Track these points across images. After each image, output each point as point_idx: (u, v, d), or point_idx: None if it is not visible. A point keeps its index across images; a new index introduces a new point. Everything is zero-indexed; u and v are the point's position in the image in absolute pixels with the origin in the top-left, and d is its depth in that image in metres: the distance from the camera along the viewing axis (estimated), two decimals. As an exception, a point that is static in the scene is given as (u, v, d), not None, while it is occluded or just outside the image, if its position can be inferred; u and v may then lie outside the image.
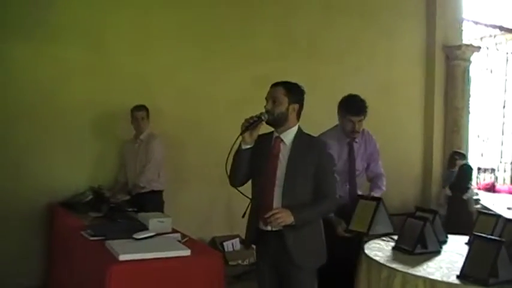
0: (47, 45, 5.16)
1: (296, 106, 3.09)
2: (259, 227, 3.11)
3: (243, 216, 4.14)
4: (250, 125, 3.02)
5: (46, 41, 5.16)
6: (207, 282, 3.25)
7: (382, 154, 4.45)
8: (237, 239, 5.98)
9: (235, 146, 3.16)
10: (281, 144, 3.06)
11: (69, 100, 5.30)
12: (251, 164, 3.13)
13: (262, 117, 3.03)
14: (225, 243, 5.93)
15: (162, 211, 4.92)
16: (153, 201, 5.10)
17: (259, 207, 3.08)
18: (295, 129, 3.10)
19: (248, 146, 3.09)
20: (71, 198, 5.01)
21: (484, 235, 3.18)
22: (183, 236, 3.72)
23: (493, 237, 3.22)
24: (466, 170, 6.72)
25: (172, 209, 5.04)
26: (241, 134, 3.06)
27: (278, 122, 3.05)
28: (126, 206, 4.74)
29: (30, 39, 5.08)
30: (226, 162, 3.13)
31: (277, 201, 3.00)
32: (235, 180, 3.22)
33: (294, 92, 3.10)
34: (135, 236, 3.47)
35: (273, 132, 3.16)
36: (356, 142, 4.19)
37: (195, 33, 5.92)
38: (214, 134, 5.96)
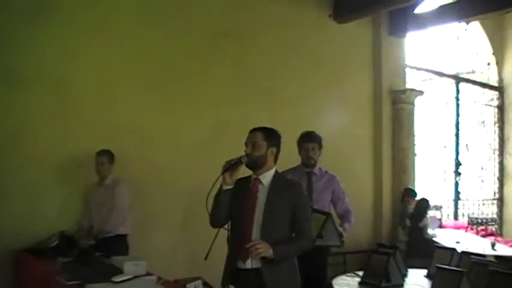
0: (11, 90, 5.14)
1: (274, 149, 3.31)
2: (238, 266, 3.25)
3: (206, 258, 4.30)
4: (230, 166, 3.21)
5: (10, 86, 5.14)
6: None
7: None
8: (199, 281, 6.02)
9: (216, 187, 3.31)
10: (259, 185, 3.26)
11: (32, 144, 5.24)
12: (230, 205, 3.29)
13: (242, 160, 3.23)
14: (187, 286, 5.96)
15: (127, 255, 4.95)
16: (118, 245, 5.12)
17: (238, 246, 3.22)
18: (272, 171, 3.30)
19: (229, 187, 3.27)
20: (36, 244, 4.94)
21: (446, 267, 3.44)
22: (159, 278, 3.82)
23: (454, 268, 3.48)
24: (424, 203, 7.35)
25: (137, 252, 5.03)
26: (222, 174, 3.23)
27: (257, 164, 3.25)
28: (92, 250, 4.77)
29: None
30: (206, 203, 3.28)
31: (255, 239, 3.15)
32: (216, 221, 3.38)
33: (272, 136, 3.32)
34: (114, 279, 3.55)
35: (251, 175, 3.34)
36: (315, 174, 4.52)
37: (158, 80, 6.03)
38: (177, 179, 6.06)
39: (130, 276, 3.62)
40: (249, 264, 3.18)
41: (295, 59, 7.34)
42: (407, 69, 8.81)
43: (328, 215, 4.24)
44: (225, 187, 3.29)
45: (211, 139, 6.38)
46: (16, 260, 5.00)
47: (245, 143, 3.35)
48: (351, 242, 7.40)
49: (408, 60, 8.83)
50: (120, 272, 3.76)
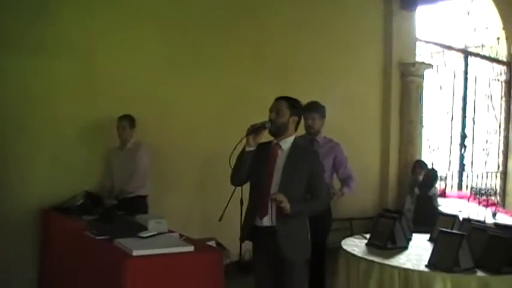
0: (36, 58, 5.36)
1: (296, 118, 3.55)
2: (255, 223, 3.51)
3: (220, 220, 4.60)
4: (254, 130, 3.46)
5: (35, 53, 5.36)
6: (209, 275, 3.65)
7: None
8: (213, 241, 6.34)
9: (238, 149, 3.56)
10: (279, 150, 3.51)
11: (58, 108, 5.53)
12: (251, 167, 3.55)
13: (266, 125, 3.48)
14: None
15: (147, 213, 5.24)
16: (139, 205, 5.38)
17: (256, 205, 3.49)
18: (292, 138, 3.55)
19: (251, 149, 3.52)
20: (62, 203, 5.23)
21: (448, 230, 3.71)
22: (180, 235, 4.10)
23: (455, 231, 3.76)
24: (433, 173, 7.66)
25: (155, 212, 5.35)
26: (246, 136, 3.48)
27: (279, 130, 3.50)
28: (116, 209, 5.07)
29: (19, 52, 5.29)
30: (230, 161, 3.54)
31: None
32: (237, 179, 3.65)
33: (295, 106, 3.56)
34: (141, 234, 3.84)
35: (272, 140, 3.59)
36: (317, 141, 4.78)
37: (179, 49, 6.29)
38: (193, 144, 6.37)
39: (155, 233, 3.90)
40: (266, 221, 3.44)
41: (309, 32, 7.56)
42: (417, 43, 8.98)
43: None
44: (248, 149, 3.53)
45: (228, 107, 6.66)
46: (44, 218, 5.32)
47: (269, 110, 3.56)
48: (357, 208, 7.78)
49: (418, 34, 8.99)
50: (144, 229, 4.04)
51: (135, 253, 3.42)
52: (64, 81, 5.58)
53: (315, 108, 4.83)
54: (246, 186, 4.85)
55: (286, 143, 3.54)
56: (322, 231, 4.61)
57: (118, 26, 5.87)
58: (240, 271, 6.19)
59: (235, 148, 3.59)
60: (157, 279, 3.44)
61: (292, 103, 3.57)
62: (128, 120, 5.56)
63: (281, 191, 3.40)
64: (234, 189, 5.42)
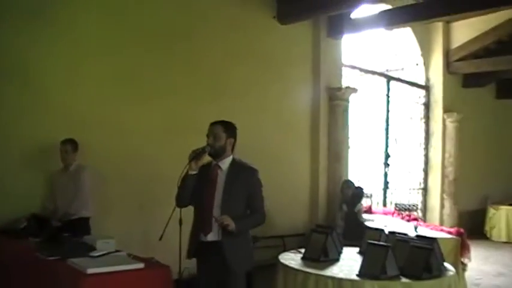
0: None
1: (232, 140, 3.89)
2: (201, 239, 3.79)
3: (160, 239, 4.85)
4: (196, 155, 3.76)
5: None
6: (159, 289, 3.91)
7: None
8: (154, 260, 6.53)
9: (183, 174, 3.86)
10: (219, 170, 3.82)
11: (1, 133, 5.61)
12: (194, 188, 3.83)
13: (206, 149, 3.80)
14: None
15: (90, 234, 5.38)
16: (82, 226, 5.54)
17: (201, 223, 3.77)
18: (230, 158, 3.88)
19: (194, 172, 3.82)
20: (5, 225, 5.33)
21: (375, 242, 4.13)
22: (128, 254, 4.32)
23: (382, 243, 4.17)
24: (359, 190, 8.12)
25: (98, 233, 5.48)
26: (189, 162, 3.77)
27: (218, 153, 3.82)
28: (61, 230, 5.19)
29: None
30: (178, 183, 3.88)
31: (216, 215, 3.71)
32: (181, 201, 3.95)
33: (230, 129, 3.91)
34: (92, 254, 4.04)
35: (211, 162, 3.89)
36: None
37: (116, 76, 6.50)
38: (134, 165, 6.55)
39: (105, 252, 4.12)
40: (211, 237, 3.73)
41: (242, 58, 7.92)
42: (343, 68, 9.53)
43: None
44: (191, 172, 3.83)
45: (166, 130, 6.91)
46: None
47: (207, 135, 3.88)
48: (289, 226, 8.15)
49: (344, 60, 9.54)
50: (93, 249, 4.24)
51: (90, 271, 3.63)
52: (8, 103, 5.67)
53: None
54: (184, 208, 5.14)
55: (225, 163, 3.86)
56: None
57: (62, 50, 6.02)
58: (179, 288, 6.40)
59: (182, 173, 3.89)
60: (110, 295, 3.66)
61: (227, 126, 3.91)
62: (70, 144, 5.68)
63: (223, 209, 3.71)
64: (173, 210, 5.68)
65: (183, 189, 3.90)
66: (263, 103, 8.14)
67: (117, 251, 4.34)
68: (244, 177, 3.84)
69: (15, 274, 4.68)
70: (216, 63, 7.60)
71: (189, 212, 4.23)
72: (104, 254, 4.09)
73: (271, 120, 8.12)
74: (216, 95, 7.51)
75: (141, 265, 3.91)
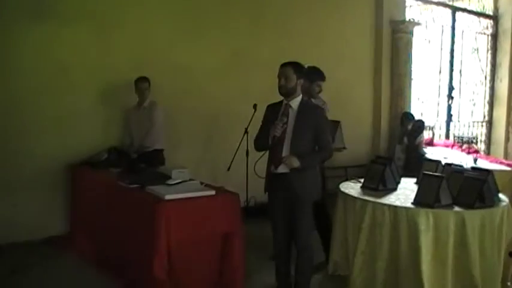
0: (60, 27, 5.90)
1: (301, 81, 4.10)
2: (272, 171, 4.09)
3: (228, 170, 5.21)
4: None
5: (59, 23, 5.89)
6: (229, 213, 4.34)
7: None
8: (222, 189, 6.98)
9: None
10: (289, 109, 4.07)
11: (79, 73, 6.08)
12: (268, 126, 4.10)
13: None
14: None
15: (164, 165, 5.83)
16: (157, 158, 6.02)
17: (273, 156, 4.07)
18: (299, 98, 4.10)
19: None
20: (89, 157, 5.86)
21: (430, 173, 4.35)
22: (201, 182, 4.72)
23: (436, 174, 4.40)
24: (420, 123, 8.30)
25: (170, 164, 5.95)
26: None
27: (289, 93, 4.04)
28: (138, 161, 5.68)
29: (44, 22, 5.79)
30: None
31: (286, 151, 4.00)
32: (261, 146, 4.20)
33: (300, 70, 4.08)
34: (168, 182, 4.47)
35: (282, 100, 4.14)
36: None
37: (182, 17, 6.82)
38: (200, 101, 6.93)
39: (180, 180, 4.53)
40: (281, 169, 4.01)
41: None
42: (407, 0, 9.44)
43: (338, 122, 5.14)
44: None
45: (229, 66, 7.21)
46: (74, 172, 5.93)
47: (278, 76, 4.07)
48: (352, 157, 8.40)
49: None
50: (168, 178, 4.66)
51: (167, 197, 4.07)
52: (83, 45, 6.10)
53: (325, 77, 5.33)
54: (250, 140, 5.47)
55: (295, 102, 4.09)
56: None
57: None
58: (246, 216, 6.84)
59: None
60: (186, 218, 4.11)
61: (297, 67, 4.09)
62: (147, 82, 6.09)
63: (293, 144, 3.98)
64: (240, 142, 6.08)
65: (263, 138, 4.14)
66: (326, 39, 8.27)
67: (190, 179, 4.74)
68: (313, 115, 4.08)
69: (97, 201, 5.22)
70: (278, 3, 7.75)
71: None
72: (179, 182, 4.51)
73: (334, 56, 8.23)
74: (277, 33, 7.71)
75: (212, 192, 4.31)
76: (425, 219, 3.99)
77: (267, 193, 4.23)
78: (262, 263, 5.05)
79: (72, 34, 6.01)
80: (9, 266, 5.06)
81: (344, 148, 5.26)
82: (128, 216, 4.52)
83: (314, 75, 5.21)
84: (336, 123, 5.19)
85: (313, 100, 5.26)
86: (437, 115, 10.82)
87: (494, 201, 4.27)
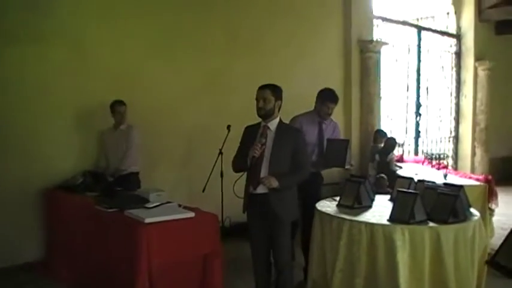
0: (33, 47, 5.88)
1: (279, 102, 4.19)
2: (250, 191, 4.16)
3: (203, 191, 5.22)
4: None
5: (32, 42, 5.88)
6: (209, 235, 4.37)
7: None
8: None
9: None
10: (268, 130, 4.14)
11: (55, 94, 6.06)
12: (246, 147, 4.16)
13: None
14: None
15: (139, 188, 5.81)
16: (133, 181, 6.02)
17: (251, 177, 4.14)
18: (277, 119, 4.19)
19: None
20: (64, 181, 5.82)
21: (404, 190, 4.46)
22: (179, 204, 4.74)
23: (411, 191, 4.51)
24: (392, 140, 8.41)
25: (145, 185, 5.96)
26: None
27: (267, 115, 4.13)
28: (114, 185, 5.66)
29: (17, 40, 5.79)
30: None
31: (264, 172, 4.08)
32: (239, 168, 4.27)
33: (277, 92, 4.19)
34: (147, 205, 4.49)
35: (259, 122, 4.21)
36: (324, 123, 5.44)
37: (157, 36, 6.87)
38: (174, 122, 6.97)
39: (158, 203, 4.55)
40: (260, 189, 4.09)
41: (277, 14, 8.16)
42: (374, 20, 9.67)
43: (347, 141, 5.37)
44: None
45: (204, 86, 7.28)
46: (49, 196, 5.88)
47: (256, 99, 4.16)
48: (325, 176, 8.49)
49: (375, 11, 9.67)
50: (146, 201, 4.68)
51: (147, 220, 4.09)
52: (59, 67, 6.11)
53: (337, 99, 5.57)
54: (225, 161, 5.53)
55: (273, 124, 4.18)
56: (314, 194, 5.32)
57: (105, 16, 6.42)
58: (222, 236, 6.87)
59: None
60: (167, 241, 4.13)
61: (275, 89, 4.19)
62: (124, 105, 6.09)
63: (271, 165, 4.06)
64: (215, 163, 6.11)
65: (241, 159, 4.21)
66: (297, 57, 8.40)
67: (168, 202, 4.75)
68: (290, 136, 4.17)
69: (75, 226, 5.19)
70: (251, 22, 7.88)
71: (229, 165, 4.54)
72: (157, 205, 4.52)
73: (305, 73, 8.36)
74: (251, 51, 7.82)
75: (192, 214, 4.35)
76: (401, 236, 4.06)
77: (245, 213, 4.28)
78: (241, 283, 5.07)
79: (46, 54, 6.00)
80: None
81: (352, 165, 5.40)
82: (107, 241, 4.52)
83: (326, 96, 5.40)
84: (345, 142, 5.32)
85: (325, 122, 5.40)
86: (406, 132, 11.04)
87: (467, 216, 4.39)
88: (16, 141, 5.88)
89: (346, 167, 5.25)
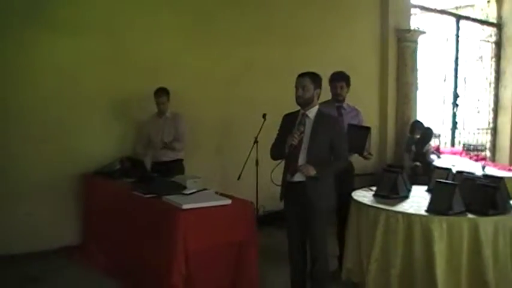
0: (71, 37, 6.01)
1: (318, 90, 4.16)
2: (288, 179, 4.15)
3: (238, 179, 5.21)
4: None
5: (70, 32, 6.00)
6: (244, 223, 4.38)
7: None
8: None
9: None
10: (306, 119, 4.13)
11: (89, 86, 6.17)
12: (284, 135, 4.16)
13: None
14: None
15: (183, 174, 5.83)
16: (178, 167, 6.08)
17: (289, 165, 4.14)
18: (316, 108, 4.17)
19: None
20: (102, 167, 5.94)
21: (442, 180, 4.41)
22: (216, 192, 4.77)
23: (449, 181, 4.45)
24: (429, 132, 8.36)
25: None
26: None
27: (306, 103, 4.11)
28: (152, 171, 5.74)
29: (55, 31, 5.91)
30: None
31: (302, 159, 4.06)
32: (278, 155, 4.24)
33: (317, 80, 4.15)
34: (184, 192, 4.53)
35: (298, 110, 4.20)
36: (343, 108, 5.36)
37: (193, 29, 6.95)
38: (210, 110, 7.03)
39: (195, 190, 4.59)
40: (297, 177, 4.09)
41: (312, 4, 8.11)
42: (412, 9, 9.54)
43: (369, 128, 5.20)
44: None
45: (240, 75, 7.30)
46: (86, 182, 6.02)
47: (295, 86, 4.13)
48: (358, 166, 8.43)
49: (413, 0, 9.54)
50: (183, 187, 4.72)
51: (185, 206, 4.13)
52: (96, 57, 6.21)
53: (343, 77, 5.39)
54: (260, 149, 5.52)
55: (312, 112, 4.15)
56: (349, 183, 5.25)
57: (141, 6, 6.52)
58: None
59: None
60: (203, 227, 4.17)
61: (314, 78, 4.15)
62: (167, 94, 6.10)
63: (309, 153, 4.05)
64: (250, 151, 6.12)
65: (279, 147, 4.20)
66: (332, 47, 8.33)
67: (204, 189, 4.80)
68: (329, 125, 4.14)
69: (112, 211, 5.29)
70: (284, 12, 7.84)
71: (265, 153, 4.54)
72: (194, 192, 4.57)
73: (339, 63, 8.20)
74: (285, 42, 7.79)
75: (228, 201, 4.37)
76: (439, 227, 4.03)
77: (281, 202, 4.28)
78: (275, 272, 5.10)
79: (83, 45, 6.11)
80: (25, 275, 5.13)
81: (370, 154, 5.28)
82: (143, 226, 4.58)
83: (332, 77, 5.33)
84: (366, 129, 5.21)
85: (344, 108, 5.33)
86: (443, 123, 10.88)
87: (507, 208, 4.32)
88: (55, 129, 6.02)
89: (364, 153, 5.12)
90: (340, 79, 5.34)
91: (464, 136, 11.33)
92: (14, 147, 5.79)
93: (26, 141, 5.84)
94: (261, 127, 5.99)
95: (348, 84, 5.40)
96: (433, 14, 10.32)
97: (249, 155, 6.20)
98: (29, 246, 5.71)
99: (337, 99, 5.35)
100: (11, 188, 5.77)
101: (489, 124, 12.02)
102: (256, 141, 6.18)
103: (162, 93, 6.09)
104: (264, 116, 6.04)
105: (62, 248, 5.93)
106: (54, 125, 6.01)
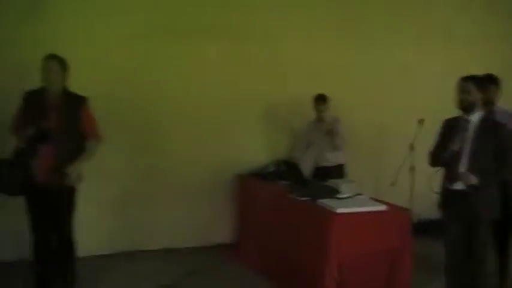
0: (232, 44, 6.32)
1: (481, 95, 3.97)
2: (447, 187, 4.01)
3: (393, 184, 5.04)
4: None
5: (230, 39, 6.30)
6: (399, 230, 4.31)
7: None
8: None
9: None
10: (469, 124, 3.96)
11: (244, 90, 6.43)
12: (445, 141, 4.02)
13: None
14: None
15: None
16: (339, 172, 6.10)
17: (449, 171, 4.00)
18: (480, 113, 3.98)
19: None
20: (257, 169, 6.19)
21: None
22: (370, 197, 4.73)
23: None
24: None
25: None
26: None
27: (469, 108, 3.94)
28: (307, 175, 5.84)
29: (217, 38, 6.25)
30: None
31: (463, 167, 3.90)
32: (439, 163, 4.12)
33: (479, 84, 3.97)
34: (338, 196, 4.56)
35: (461, 115, 4.02)
36: (495, 112, 4.90)
37: (347, 28, 6.95)
38: (364, 114, 6.93)
39: (350, 195, 4.60)
40: (458, 186, 3.93)
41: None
42: None
43: None
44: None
45: (395, 79, 7.18)
46: (243, 182, 6.28)
47: (458, 91, 3.96)
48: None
49: None
50: (336, 191, 4.74)
51: (339, 211, 4.15)
52: (252, 64, 6.46)
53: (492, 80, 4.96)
54: (417, 156, 5.35)
55: (475, 117, 3.97)
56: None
57: (293, 10, 6.66)
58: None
59: None
60: (357, 232, 4.17)
61: (479, 82, 3.96)
62: (327, 101, 6.09)
63: (470, 160, 3.88)
64: (405, 157, 5.96)
65: (439, 153, 4.08)
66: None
67: (358, 194, 4.79)
68: (494, 131, 3.93)
69: (266, 212, 5.46)
70: (444, 13, 7.55)
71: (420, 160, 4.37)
72: (349, 196, 4.57)
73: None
74: (446, 45, 7.48)
75: (383, 207, 4.32)
76: None
77: (439, 210, 4.14)
78: (427, 283, 4.96)
79: (242, 51, 6.40)
80: (185, 268, 5.47)
81: None
82: (298, 228, 4.68)
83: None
84: None
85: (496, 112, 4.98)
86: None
87: None
88: (214, 131, 6.35)
89: None
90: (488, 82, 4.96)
91: None
92: (176, 148, 6.23)
93: (189, 142, 6.26)
94: (417, 133, 5.81)
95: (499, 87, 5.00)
96: None
97: (404, 160, 6.05)
98: (189, 241, 6.14)
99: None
100: (171, 187, 6.20)
101: None
102: (412, 147, 6.01)
103: (322, 100, 6.08)
104: (421, 121, 5.86)
105: (219, 245, 6.26)
106: (214, 127, 6.34)
